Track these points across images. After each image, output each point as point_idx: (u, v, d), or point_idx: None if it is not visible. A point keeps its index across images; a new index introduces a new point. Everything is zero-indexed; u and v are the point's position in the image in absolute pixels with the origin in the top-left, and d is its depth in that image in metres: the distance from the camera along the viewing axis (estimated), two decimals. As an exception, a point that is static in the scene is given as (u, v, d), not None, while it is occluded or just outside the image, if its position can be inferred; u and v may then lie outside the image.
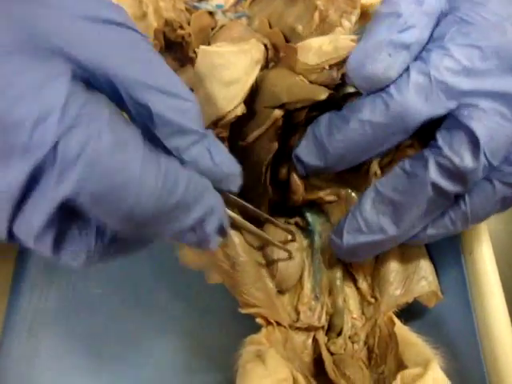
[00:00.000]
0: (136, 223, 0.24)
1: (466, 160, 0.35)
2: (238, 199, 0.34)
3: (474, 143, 0.34)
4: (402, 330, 0.39)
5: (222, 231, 0.29)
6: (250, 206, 0.38)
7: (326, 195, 0.44)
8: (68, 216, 0.24)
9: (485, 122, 0.34)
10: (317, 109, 0.41)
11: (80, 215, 0.24)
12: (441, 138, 0.36)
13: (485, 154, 0.34)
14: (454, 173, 0.35)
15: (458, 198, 0.38)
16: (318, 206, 0.46)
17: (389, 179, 0.39)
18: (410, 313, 0.43)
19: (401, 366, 0.35)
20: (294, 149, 0.42)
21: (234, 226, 0.36)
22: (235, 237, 0.38)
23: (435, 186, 0.36)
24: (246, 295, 0.38)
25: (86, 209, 0.23)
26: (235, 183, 0.31)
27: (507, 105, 0.35)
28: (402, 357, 0.36)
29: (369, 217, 0.39)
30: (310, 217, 0.45)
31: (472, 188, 0.37)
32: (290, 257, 0.41)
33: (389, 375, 0.36)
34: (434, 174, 0.36)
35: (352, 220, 0.40)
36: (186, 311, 0.44)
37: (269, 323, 0.39)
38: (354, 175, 0.45)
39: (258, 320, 0.38)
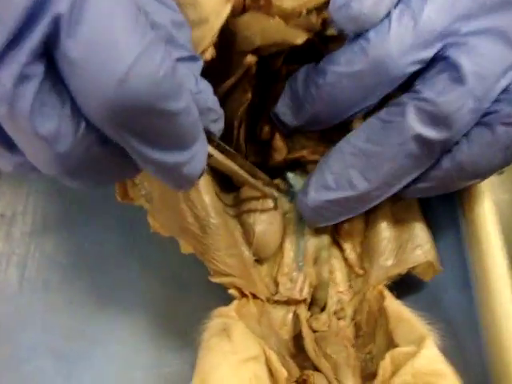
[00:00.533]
0: (119, 114, 0.19)
1: (449, 97, 0.30)
2: (221, 142, 0.30)
3: (459, 80, 0.30)
4: (393, 304, 0.34)
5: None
6: (231, 150, 0.33)
7: (310, 154, 0.39)
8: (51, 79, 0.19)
9: (472, 59, 0.30)
10: (298, 61, 0.37)
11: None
12: (421, 82, 0.32)
13: (472, 92, 0.30)
14: (436, 116, 0.31)
15: (449, 149, 0.33)
16: (301, 167, 0.41)
17: (362, 129, 0.34)
18: (403, 287, 0.38)
19: (391, 344, 0.31)
20: (273, 106, 0.38)
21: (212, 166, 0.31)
22: (206, 196, 0.33)
23: (414, 133, 0.31)
24: (218, 262, 0.33)
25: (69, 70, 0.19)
26: (216, 124, 0.29)
27: (493, 41, 0.31)
28: (393, 334, 0.31)
29: (337, 171, 0.34)
30: (292, 178, 0.40)
31: (469, 134, 0.33)
32: (276, 207, 0.37)
33: (377, 355, 0.32)
34: (412, 120, 0.31)
35: (319, 175, 0.35)
36: (159, 285, 0.41)
37: (243, 295, 0.34)
38: (341, 134, 0.40)
39: (231, 291, 0.34)
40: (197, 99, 0.26)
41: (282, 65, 0.40)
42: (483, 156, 0.33)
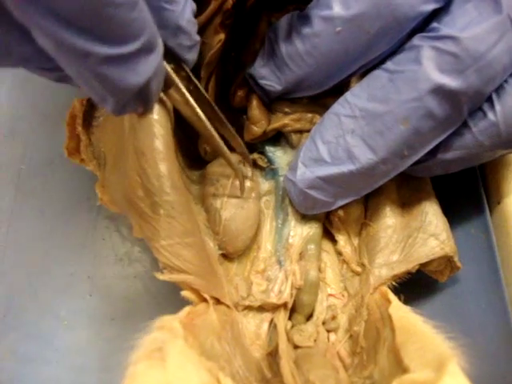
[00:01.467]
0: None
1: (477, 30, 0.23)
2: (193, 76, 0.25)
3: (491, 6, 0.23)
4: (400, 311, 0.25)
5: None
6: (205, 94, 0.26)
7: (295, 122, 0.30)
8: None
9: None
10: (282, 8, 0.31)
11: None
12: (438, 19, 0.24)
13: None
14: (461, 59, 0.23)
15: (479, 107, 0.25)
16: (285, 140, 0.32)
17: (363, 85, 0.26)
18: (413, 290, 0.30)
19: (399, 367, 0.22)
20: (249, 66, 0.30)
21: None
22: (162, 163, 0.25)
23: (433, 85, 0.23)
24: (169, 254, 0.25)
25: None
26: (190, 53, 0.24)
27: None
28: (401, 353, 0.22)
29: (332, 139, 0.26)
30: (273, 153, 0.32)
31: (504, 85, 0.25)
32: (251, 190, 0.29)
33: (380, 380, 0.23)
34: (429, 67, 0.24)
35: (311, 147, 0.27)
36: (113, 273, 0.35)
37: (202, 299, 0.25)
38: (334, 97, 0.31)
39: (185, 293, 0.25)
40: (165, 10, 0.22)
41: (262, 12, 0.31)
42: None
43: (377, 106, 0.25)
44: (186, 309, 0.24)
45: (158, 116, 0.25)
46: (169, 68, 0.24)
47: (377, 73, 0.26)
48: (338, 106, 0.27)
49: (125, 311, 0.34)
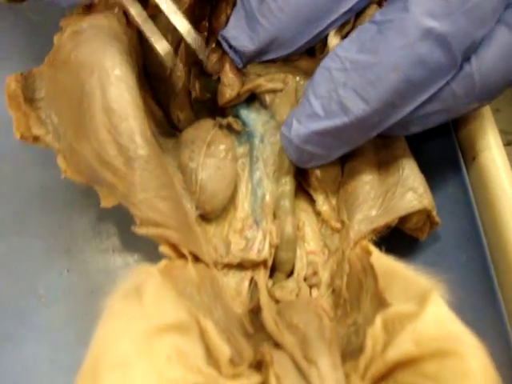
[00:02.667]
0: None
1: None
2: None
3: None
4: (382, 259, 0.25)
5: None
6: None
7: (268, 82, 0.30)
8: None
9: None
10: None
11: None
12: None
13: None
14: (449, 0, 0.23)
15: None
16: (258, 102, 0.32)
17: (353, 38, 0.26)
18: (395, 251, 0.29)
19: (382, 306, 0.22)
20: (222, 28, 0.30)
21: None
22: (134, 121, 0.25)
23: (423, 29, 0.23)
24: (146, 207, 0.24)
25: None
26: None
27: None
28: (385, 294, 0.22)
29: (325, 94, 0.26)
30: (247, 116, 0.31)
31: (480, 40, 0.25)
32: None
33: (364, 324, 0.23)
34: (419, 11, 0.24)
35: (304, 103, 0.27)
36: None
37: (180, 255, 0.25)
38: (307, 59, 0.32)
39: (163, 248, 0.25)
40: None
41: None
42: (498, 64, 0.25)
43: (367, 57, 0.25)
44: (164, 261, 0.24)
45: (120, 72, 0.25)
46: None
47: (366, 26, 0.26)
48: (329, 61, 0.27)
49: (103, 284, 0.33)
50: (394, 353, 0.19)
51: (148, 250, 0.33)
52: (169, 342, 0.18)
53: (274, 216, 0.29)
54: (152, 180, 0.25)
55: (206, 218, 0.29)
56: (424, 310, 0.20)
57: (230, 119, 0.31)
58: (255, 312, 0.26)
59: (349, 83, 0.25)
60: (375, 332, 0.20)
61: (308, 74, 0.31)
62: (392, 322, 0.20)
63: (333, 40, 0.30)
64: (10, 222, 0.35)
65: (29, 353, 0.31)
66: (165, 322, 0.18)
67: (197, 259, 0.26)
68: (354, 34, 0.27)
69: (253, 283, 0.27)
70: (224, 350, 0.19)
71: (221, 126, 0.31)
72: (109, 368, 0.17)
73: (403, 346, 0.19)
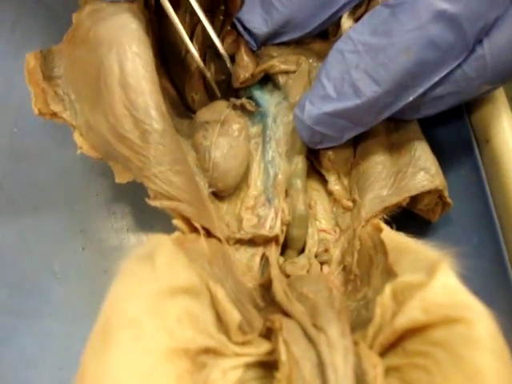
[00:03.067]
0: None
1: None
2: None
3: None
4: (392, 235, 0.25)
5: None
6: None
7: (281, 63, 0.31)
8: None
9: None
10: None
11: None
12: None
13: None
14: None
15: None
16: (272, 83, 0.32)
17: (365, 21, 0.26)
18: (407, 233, 0.29)
19: (392, 279, 0.22)
20: (237, 12, 0.31)
21: None
22: (149, 96, 0.25)
23: (435, 11, 0.23)
24: (160, 180, 0.25)
25: None
26: None
27: None
28: (395, 267, 0.22)
29: (337, 76, 0.26)
30: (260, 96, 0.32)
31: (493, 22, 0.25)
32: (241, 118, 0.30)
33: (373, 297, 0.23)
34: None
35: (317, 85, 0.27)
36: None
37: (193, 229, 0.25)
38: (320, 42, 0.32)
39: (176, 222, 0.25)
40: None
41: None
42: (510, 45, 0.25)
43: (379, 39, 0.25)
44: (176, 233, 0.24)
45: (138, 49, 0.26)
46: None
47: (378, 8, 0.26)
48: (342, 43, 0.27)
49: (118, 263, 0.34)
50: (403, 320, 0.19)
51: (161, 230, 0.33)
52: (180, 304, 0.18)
53: (286, 194, 0.29)
54: (166, 154, 0.25)
55: (218, 195, 0.29)
56: (433, 280, 0.20)
57: (244, 100, 0.32)
58: (266, 287, 0.26)
59: (361, 65, 0.25)
60: (384, 300, 0.20)
61: (321, 56, 0.32)
62: (401, 291, 0.20)
63: (346, 22, 0.30)
64: (27, 201, 0.36)
65: (44, 327, 0.32)
66: (176, 284, 0.18)
67: (209, 234, 0.26)
68: (366, 17, 0.27)
69: (264, 259, 0.28)
70: (234, 316, 0.20)
71: (234, 107, 0.31)
72: (120, 326, 0.17)
73: (412, 313, 0.19)
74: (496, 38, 0.25)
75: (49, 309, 0.32)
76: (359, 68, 0.26)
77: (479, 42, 0.25)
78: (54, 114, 0.29)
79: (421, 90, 0.26)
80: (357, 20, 0.30)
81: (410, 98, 0.26)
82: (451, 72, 0.26)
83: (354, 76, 0.26)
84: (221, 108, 0.31)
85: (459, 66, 0.25)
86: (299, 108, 0.28)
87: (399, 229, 0.28)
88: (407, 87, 0.26)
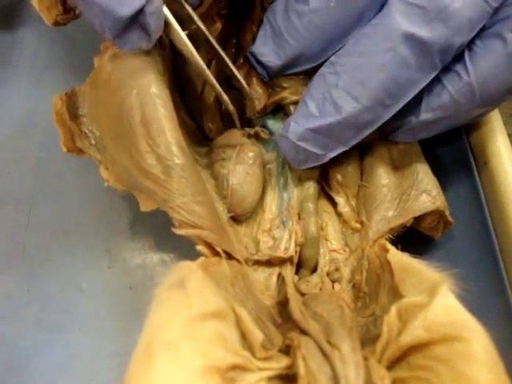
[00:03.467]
0: None
1: None
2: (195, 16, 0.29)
3: None
4: (397, 255, 0.28)
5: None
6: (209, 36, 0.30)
7: (292, 94, 0.33)
8: None
9: None
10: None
11: None
12: None
13: None
14: (426, 9, 0.26)
15: (455, 67, 0.28)
16: (283, 112, 0.34)
17: (344, 47, 0.29)
18: (410, 250, 0.31)
19: (397, 298, 0.24)
20: (250, 46, 0.33)
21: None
22: (169, 132, 0.28)
23: (404, 33, 0.26)
24: (184, 211, 0.27)
25: None
26: None
27: None
28: (400, 288, 0.25)
29: (319, 96, 0.29)
30: (273, 125, 0.34)
31: (475, 49, 0.28)
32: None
33: (381, 314, 0.25)
34: (400, 17, 0.26)
35: (302, 106, 0.30)
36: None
37: (215, 253, 0.28)
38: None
39: (200, 247, 0.27)
40: None
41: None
42: (495, 73, 0.27)
43: (355, 59, 0.28)
44: (201, 259, 0.26)
45: (156, 90, 0.28)
46: (165, 8, 0.26)
47: (357, 32, 0.29)
48: (324, 68, 0.29)
49: (141, 281, 0.36)
50: (407, 338, 0.22)
51: (182, 249, 0.36)
52: (210, 327, 0.21)
53: (299, 217, 0.32)
54: (188, 186, 0.27)
55: (237, 219, 0.32)
56: (434, 301, 0.22)
57: (258, 129, 0.34)
58: (283, 304, 0.28)
59: (340, 84, 0.28)
60: (390, 320, 0.23)
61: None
62: (405, 311, 0.23)
63: None
64: (54, 224, 0.38)
65: (73, 341, 0.35)
66: (206, 309, 0.21)
67: (230, 257, 0.29)
68: (347, 43, 0.29)
69: (280, 278, 0.30)
70: (257, 335, 0.22)
71: (249, 136, 0.33)
72: (161, 348, 0.19)
73: (415, 332, 0.22)
74: (481, 65, 0.27)
75: (78, 323, 0.35)
76: (339, 87, 0.28)
77: (465, 69, 0.28)
78: (81, 151, 0.31)
79: (397, 109, 0.28)
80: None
81: (389, 115, 0.29)
82: (441, 98, 0.28)
83: (335, 94, 0.28)
84: (236, 137, 0.33)
85: (448, 92, 0.28)
86: (284, 128, 0.30)
87: (404, 245, 0.30)
88: (385, 104, 0.28)
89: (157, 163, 0.28)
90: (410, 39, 0.26)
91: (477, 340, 0.20)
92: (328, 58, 0.32)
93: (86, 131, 0.31)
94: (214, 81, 0.31)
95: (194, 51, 0.29)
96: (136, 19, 0.25)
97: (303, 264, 0.31)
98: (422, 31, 0.26)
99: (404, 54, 0.26)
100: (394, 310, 0.22)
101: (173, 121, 0.28)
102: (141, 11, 0.24)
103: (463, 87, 0.28)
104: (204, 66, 0.30)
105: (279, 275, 0.30)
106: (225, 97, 0.32)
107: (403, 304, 0.23)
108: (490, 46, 0.27)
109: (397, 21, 0.26)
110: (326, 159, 0.30)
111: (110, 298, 0.36)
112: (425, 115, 0.29)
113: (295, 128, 0.29)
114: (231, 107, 0.32)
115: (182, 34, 0.28)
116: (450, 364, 0.20)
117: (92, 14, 0.25)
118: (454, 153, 0.35)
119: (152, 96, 0.28)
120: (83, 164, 0.38)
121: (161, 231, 0.37)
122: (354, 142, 0.29)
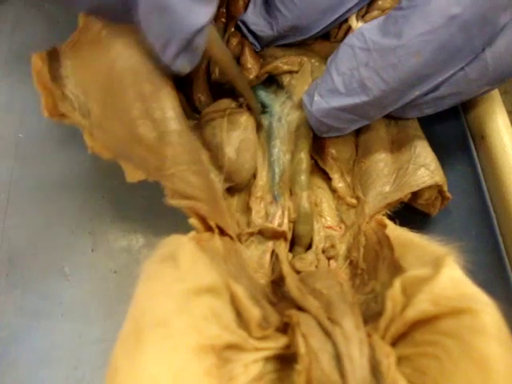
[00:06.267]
0: None
1: None
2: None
3: None
4: (397, 231, 0.26)
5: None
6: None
7: (284, 64, 0.32)
8: None
9: None
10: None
11: None
12: None
13: None
14: None
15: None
16: (275, 84, 0.33)
17: (379, 21, 0.27)
18: (408, 226, 0.30)
19: (399, 273, 0.23)
20: (241, 14, 0.32)
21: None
22: (166, 97, 0.26)
23: (448, 15, 0.24)
24: (179, 180, 0.26)
25: None
26: None
27: None
28: (401, 262, 0.23)
29: (347, 71, 0.27)
30: (265, 97, 0.33)
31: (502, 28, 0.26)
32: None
33: (381, 291, 0.24)
34: None
35: (327, 78, 0.28)
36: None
37: (207, 228, 0.26)
38: (321, 43, 0.33)
39: (192, 221, 0.26)
40: None
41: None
42: (510, 49, 0.26)
43: (390, 40, 0.26)
44: (192, 233, 0.25)
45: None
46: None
47: (392, 12, 0.27)
48: (353, 39, 0.28)
49: (126, 264, 0.35)
50: (413, 312, 0.20)
51: (169, 231, 0.34)
52: (205, 303, 0.19)
53: (291, 192, 0.30)
54: (184, 154, 0.26)
55: (231, 191, 0.30)
56: (440, 273, 0.21)
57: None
58: (277, 283, 0.27)
59: (371, 63, 0.26)
60: (394, 294, 0.21)
61: (322, 56, 0.33)
62: (410, 285, 0.21)
63: (354, 22, 0.31)
64: (35, 205, 0.36)
65: (56, 328, 0.33)
66: (200, 284, 0.19)
67: (222, 232, 0.27)
68: (381, 18, 0.28)
69: (274, 256, 0.29)
70: (254, 313, 0.21)
71: (241, 106, 0.32)
72: (151, 325, 0.18)
73: (421, 305, 0.20)
74: (497, 42, 0.26)
75: (61, 309, 0.33)
76: (369, 66, 0.26)
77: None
78: (62, 115, 0.29)
79: (425, 89, 0.27)
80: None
81: (414, 96, 0.27)
82: (453, 74, 0.27)
83: (363, 74, 0.27)
84: (225, 105, 0.31)
85: (461, 68, 0.27)
86: (308, 97, 0.29)
87: (401, 222, 0.29)
88: (413, 86, 0.27)
89: (151, 129, 0.26)
90: (453, 22, 0.24)
91: (486, 312, 0.19)
92: (321, 30, 0.30)
93: (69, 94, 0.29)
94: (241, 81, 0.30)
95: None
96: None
97: (297, 241, 0.30)
98: (467, 12, 0.24)
99: (444, 39, 0.25)
100: (397, 284, 0.21)
101: (168, 84, 0.26)
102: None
103: (477, 63, 0.26)
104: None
105: (273, 252, 0.29)
106: (250, 92, 0.31)
107: (407, 278, 0.21)
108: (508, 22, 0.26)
109: (438, 2, 0.24)
110: (347, 132, 0.29)
111: (93, 282, 0.34)
112: (435, 92, 0.28)
113: (320, 103, 0.28)
114: (255, 105, 0.31)
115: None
116: (458, 338, 0.19)
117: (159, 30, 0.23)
118: (450, 128, 0.34)
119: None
120: (63, 144, 0.37)
121: (146, 212, 0.36)
122: (377, 118, 0.28)
